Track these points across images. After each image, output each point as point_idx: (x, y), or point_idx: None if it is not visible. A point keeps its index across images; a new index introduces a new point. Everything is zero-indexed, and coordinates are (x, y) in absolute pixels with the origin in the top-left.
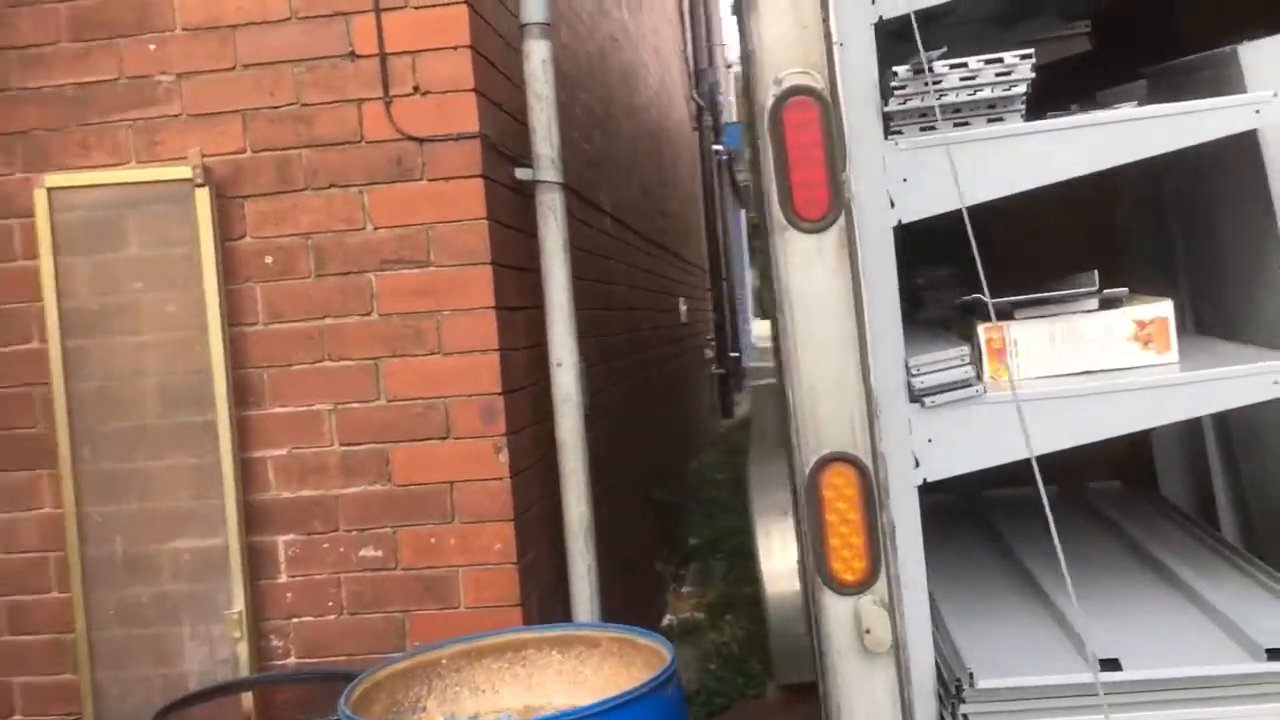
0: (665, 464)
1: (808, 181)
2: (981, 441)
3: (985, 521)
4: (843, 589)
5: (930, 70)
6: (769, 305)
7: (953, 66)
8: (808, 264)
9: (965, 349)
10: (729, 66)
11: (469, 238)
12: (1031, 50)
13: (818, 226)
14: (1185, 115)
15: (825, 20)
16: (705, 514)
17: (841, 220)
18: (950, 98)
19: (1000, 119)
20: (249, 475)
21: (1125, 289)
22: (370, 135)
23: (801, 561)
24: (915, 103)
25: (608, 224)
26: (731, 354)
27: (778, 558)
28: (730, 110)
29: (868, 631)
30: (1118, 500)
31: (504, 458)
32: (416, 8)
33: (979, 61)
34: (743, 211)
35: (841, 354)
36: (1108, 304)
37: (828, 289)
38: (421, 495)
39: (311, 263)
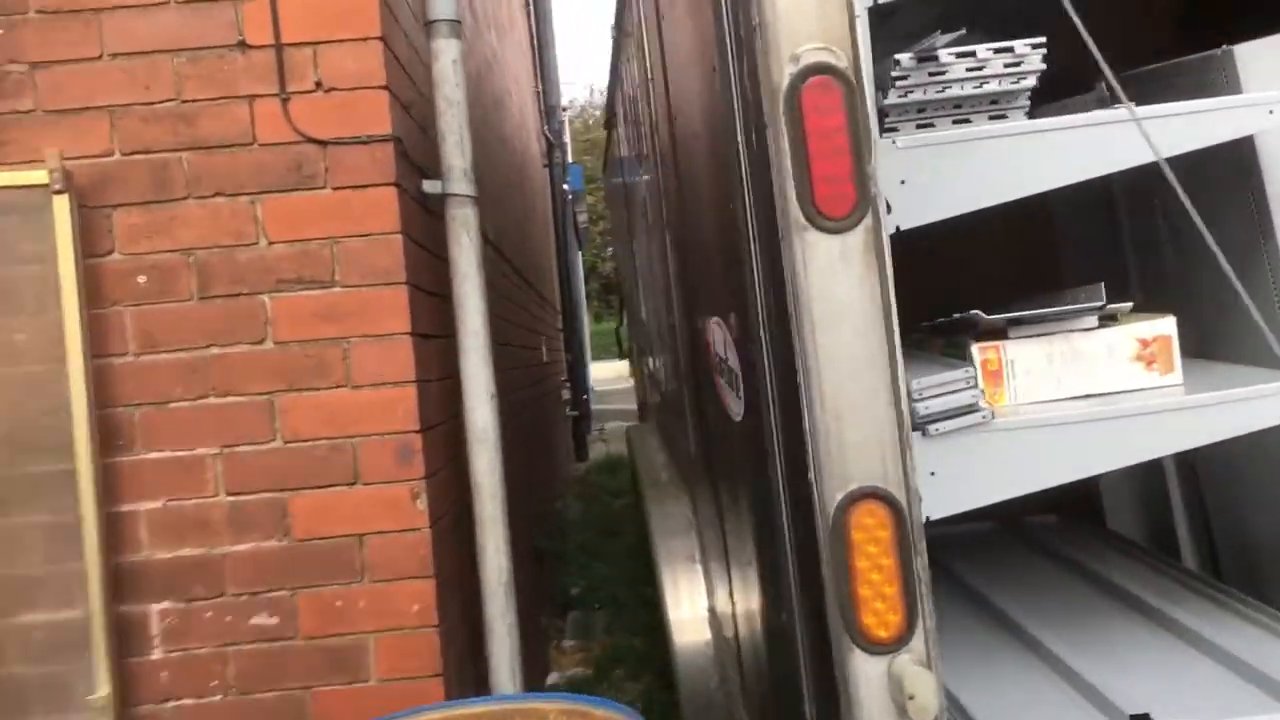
0: (538, 509)
1: (831, 174)
2: (985, 474)
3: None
4: (875, 647)
5: (936, 59)
6: (629, 346)
7: (960, 55)
8: (830, 269)
9: (971, 370)
10: (565, 108)
11: (381, 254)
12: (1044, 39)
13: (842, 225)
14: (1201, 114)
15: None
16: (577, 562)
17: (869, 219)
18: (954, 90)
19: (1004, 115)
20: (116, 533)
21: (1129, 304)
22: (264, 137)
23: (776, 609)
24: (917, 95)
25: (490, 252)
26: (583, 396)
27: (686, 606)
28: (569, 151)
29: (911, 698)
30: (1063, 534)
31: (422, 504)
32: None
33: (988, 50)
34: (580, 254)
35: (870, 373)
36: (1105, 321)
37: (853, 298)
38: (325, 551)
39: (194, 283)
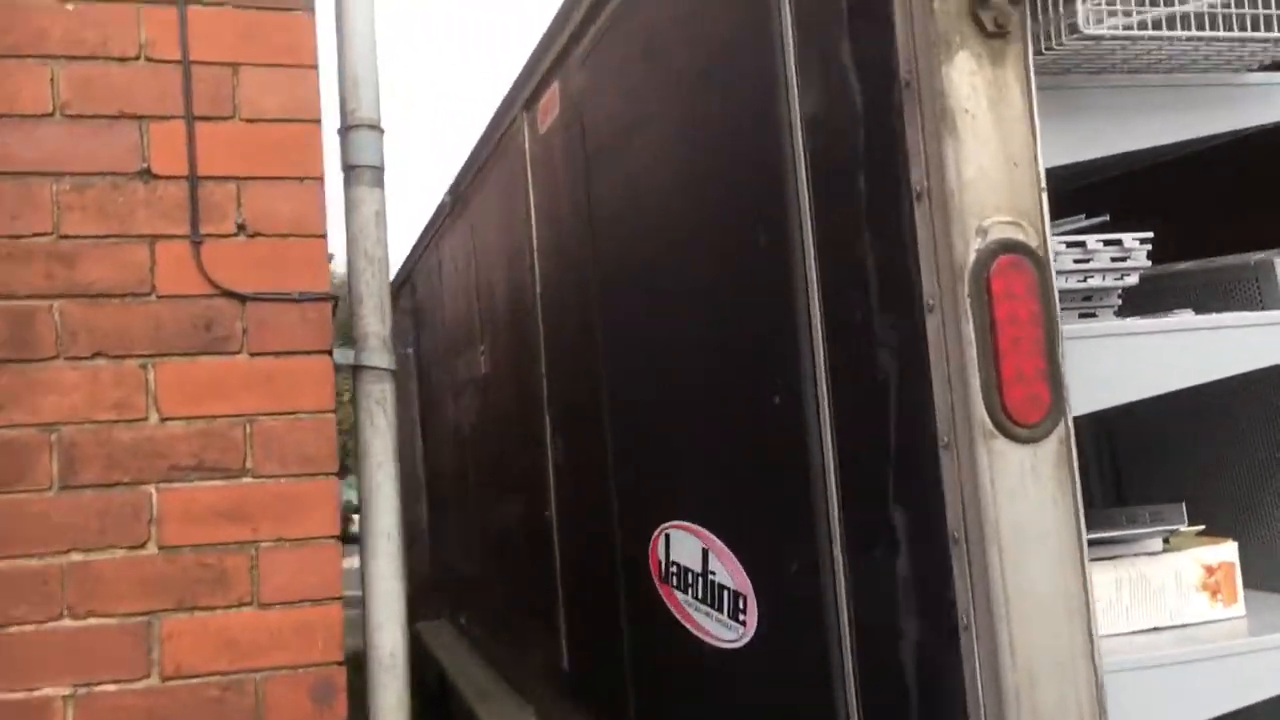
0: None
1: (1025, 373)
2: None
3: None
4: None
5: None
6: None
7: (1069, 245)
8: (1021, 487)
9: None
10: None
11: (308, 438)
12: (1150, 234)
13: (1035, 433)
14: None
15: (1036, 158)
16: None
17: (1061, 427)
18: (1060, 283)
19: (1093, 314)
20: None
21: (1200, 525)
22: (166, 287)
23: None
24: None
25: None
26: None
27: None
28: None
29: None
30: None
31: None
32: (249, 120)
33: (1097, 242)
34: None
35: (1067, 618)
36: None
37: (1047, 523)
38: None
39: (55, 467)
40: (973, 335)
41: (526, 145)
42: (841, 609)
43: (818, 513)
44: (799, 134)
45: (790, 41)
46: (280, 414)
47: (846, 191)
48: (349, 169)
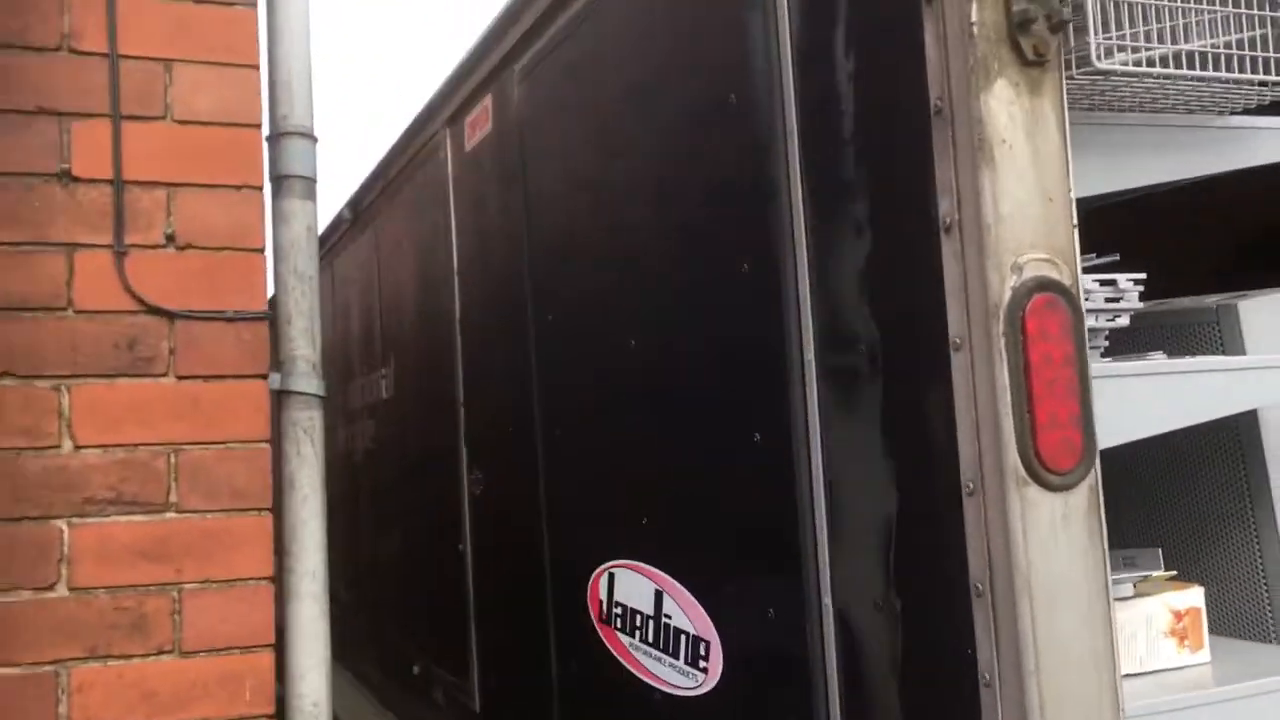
0: None
1: (1058, 419)
2: None
3: None
4: None
5: None
6: None
7: None
8: (1052, 537)
9: None
10: None
11: (240, 469)
12: (1144, 275)
13: (1068, 481)
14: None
15: (1070, 192)
16: None
17: (1092, 476)
18: None
19: None
20: None
21: (1173, 571)
22: (85, 302)
23: None
24: None
25: None
26: None
27: None
28: None
29: None
30: None
31: None
32: (182, 121)
33: (1093, 282)
34: None
35: (1095, 675)
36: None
37: (1078, 573)
38: None
39: None
40: (1006, 378)
41: (449, 162)
42: (830, 662)
43: (802, 556)
44: (795, 149)
45: (787, 40)
46: (209, 443)
47: (852, 218)
48: (279, 179)
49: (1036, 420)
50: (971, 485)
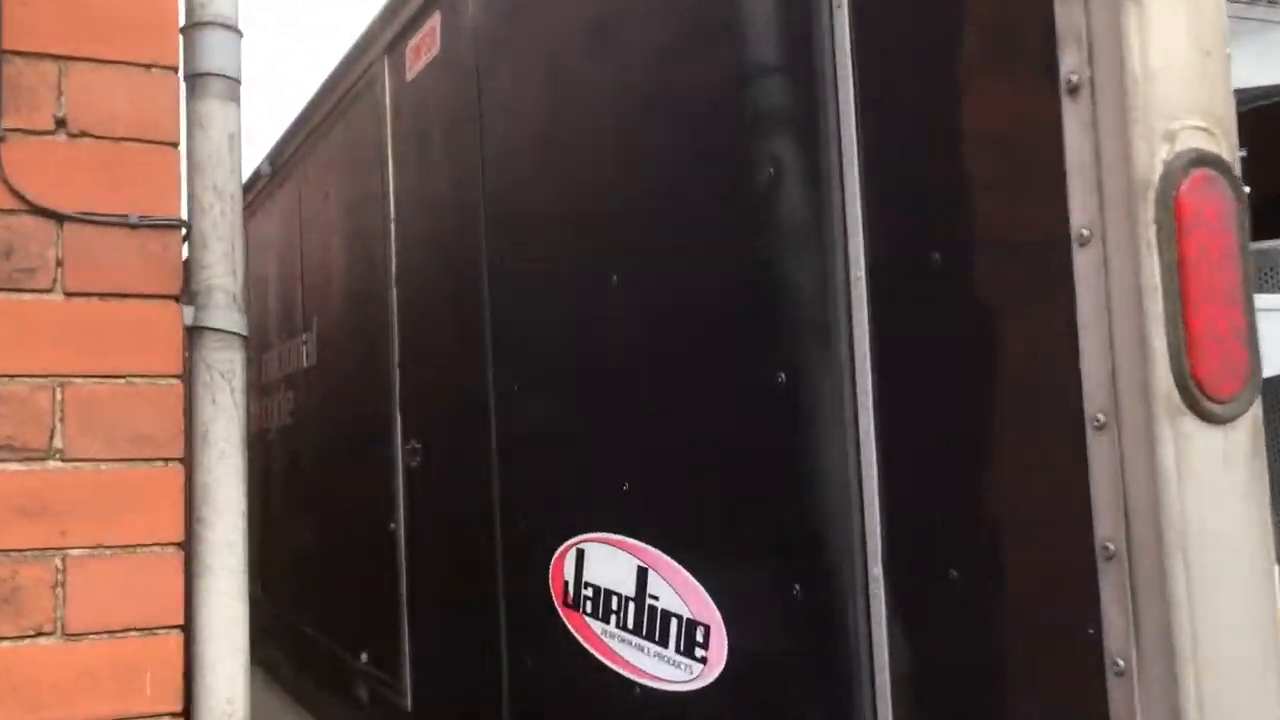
0: None
1: (1221, 328)
2: None
3: None
4: None
5: None
6: None
7: None
8: (1212, 481)
9: None
10: None
11: (145, 410)
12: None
13: (1232, 410)
14: None
15: (1225, 46)
16: None
17: (1259, 404)
18: None
19: None
20: None
21: None
22: None
23: None
24: None
25: None
26: None
27: None
28: None
29: None
30: None
31: None
32: None
33: None
34: None
35: (1263, 661)
36: None
37: (1241, 528)
38: None
39: None
40: (1157, 276)
41: (387, 96)
42: (879, 649)
43: (844, 515)
44: None
45: None
46: (105, 376)
47: (925, 83)
48: (194, 78)
49: (1191, 330)
50: (1102, 417)
